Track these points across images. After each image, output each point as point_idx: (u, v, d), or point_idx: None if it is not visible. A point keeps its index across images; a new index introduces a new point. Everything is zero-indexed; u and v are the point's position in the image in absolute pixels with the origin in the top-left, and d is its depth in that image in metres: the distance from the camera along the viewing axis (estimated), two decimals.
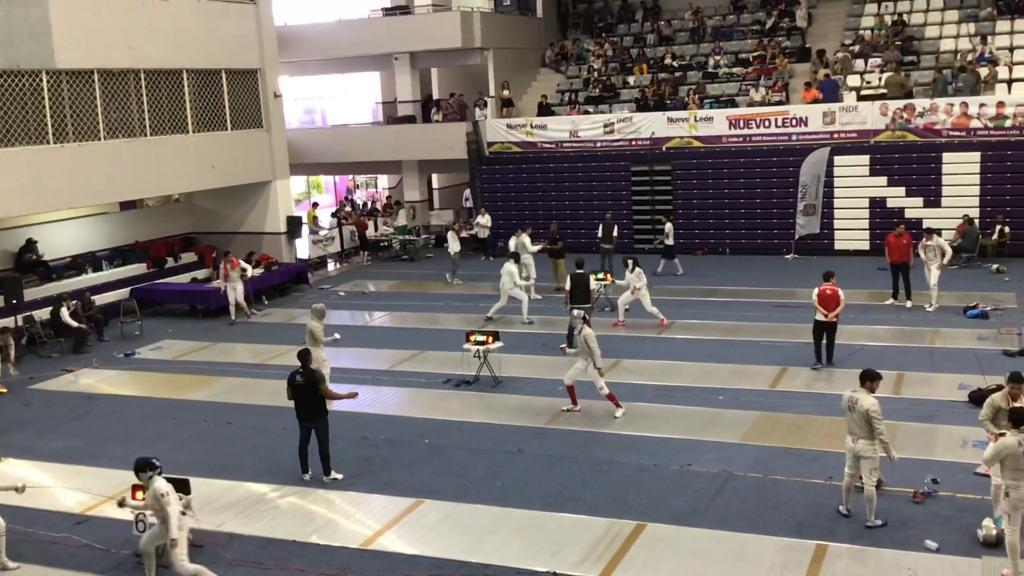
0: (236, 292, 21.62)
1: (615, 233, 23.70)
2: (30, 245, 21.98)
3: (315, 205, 30.40)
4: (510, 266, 19.89)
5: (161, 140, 22.48)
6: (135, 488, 10.32)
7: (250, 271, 22.26)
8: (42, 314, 20.27)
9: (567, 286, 17.78)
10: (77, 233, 23.69)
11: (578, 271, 17.71)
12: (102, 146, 20.99)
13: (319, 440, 12.18)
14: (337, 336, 15.98)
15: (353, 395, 12.73)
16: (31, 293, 20.75)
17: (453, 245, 24.74)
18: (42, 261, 22.05)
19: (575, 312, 14.77)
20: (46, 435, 14.78)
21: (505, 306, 19.96)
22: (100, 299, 21.65)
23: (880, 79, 26.07)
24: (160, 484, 9.48)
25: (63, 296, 20.22)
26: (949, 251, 19.31)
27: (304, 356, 12.34)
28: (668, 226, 23.70)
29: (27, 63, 19.24)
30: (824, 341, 15.82)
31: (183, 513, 9.58)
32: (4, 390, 17.20)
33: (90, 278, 22.75)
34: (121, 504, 9.94)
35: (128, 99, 21.71)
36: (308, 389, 12.04)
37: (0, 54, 18.71)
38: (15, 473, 13.21)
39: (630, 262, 19.04)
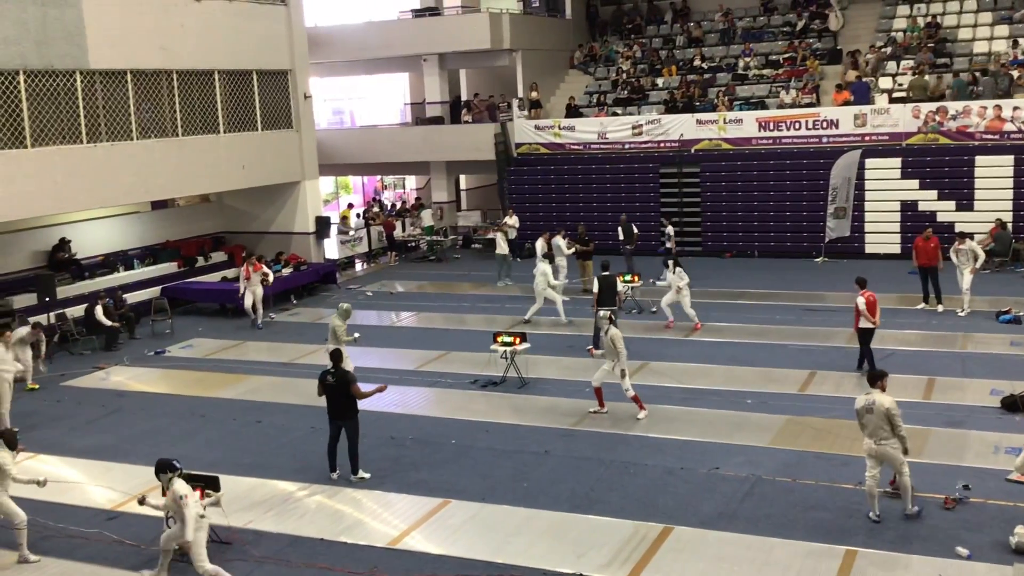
0: (255, 296, 21.23)
1: (636, 232, 23.60)
2: (63, 243, 22.24)
3: (350, 206, 30.47)
4: (544, 267, 19.84)
5: (192, 140, 22.67)
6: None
7: (271, 277, 21.87)
8: (75, 312, 20.51)
9: (595, 288, 17.74)
10: (109, 232, 23.94)
11: (604, 273, 17.68)
12: (134, 146, 21.21)
13: (349, 439, 12.24)
14: (357, 335, 16.02)
15: (382, 388, 12.74)
16: (63, 291, 20.96)
17: (502, 246, 24.45)
18: (74, 259, 22.31)
19: (601, 313, 14.74)
20: (77, 431, 14.95)
21: (542, 307, 19.93)
22: (131, 297, 21.88)
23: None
24: (179, 486, 9.58)
25: (99, 294, 20.44)
26: (982, 255, 19.11)
27: (335, 356, 12.40)
28: (669, 229, 23.51)
29: (61, 63, 19.47)
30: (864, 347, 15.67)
31: (202, 516, 9.68)
32: (36, 386, 17.41)
33: (121, 276, 22.98)
34: (141, 502, 10.07)
35: (160, 99, 21.92)
36: (339, 389, 12.11)
37: (35, 54, 18.95)
38: (44, 469, 13.37)
39: (670, 262, 18.95)
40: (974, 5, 28.37)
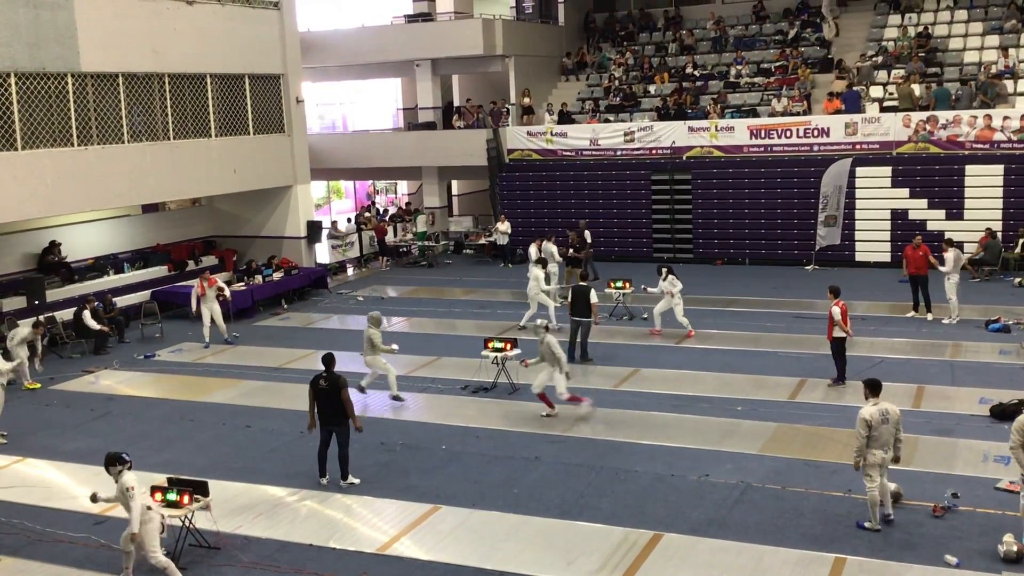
0: (213, 311, 20.06)
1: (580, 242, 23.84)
2: (53, 247, 22.16)
3: (349, 220, 30.40)
4: (537, 272, 19.80)
5: (184, 144, 22.62)
6: (155, 489, 10.41)
7: (227, 292, 20.73)
8: (64, 315, 20.44)
9: (569, 299, 17.83)
10: (99, 235, 23.86)
11: (581, 284, 17.68)
12: (126, 149, 21.15)
13: (339, 444, 12.21)
14: (395, 347, 15.92)
15: (357, 427, 12.36)
16: (53, 294, 20.92)
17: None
18: (64, 262, 22.22)
19: (539, 321, 15.02)
20: (66, 435, 14.87)
21: (536, 313, 19.90)
22: (121, 301, 21.81)
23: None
24: (127, 478, 9.65)
25: (87, 297, 20.36)
26: (949, 264, 18.82)
27: (328, 360, 12.35)
28: (573, 235, 23.82)
29: (53, 66, 19.42)
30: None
31: (149, 508, 9.73)
32: (38, 385, 17.41)
33: (111, 280, 22.90)
34: (94, 499, 10.08)
35: (152, 103, 21.88)
36: (331, 394, 12.08)
37: (26, 56, 18.90)
38: (32, 472, 13.33)
39: (664, 270, 18.92)
40: (965, 15, 28.51)
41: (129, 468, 9.74)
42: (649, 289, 19.47)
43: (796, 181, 25.72)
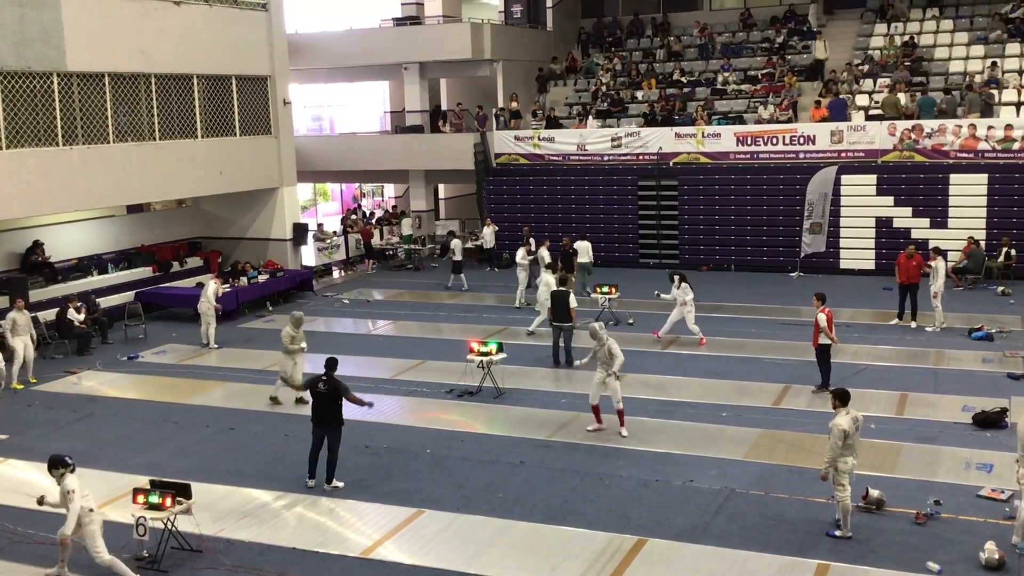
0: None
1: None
2: (36, 246, 22.02)
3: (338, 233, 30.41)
4: (548, 277, 19.54)
5: (170, 144, 22.54)
6: (136, 492, 10.35)
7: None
8: (47, 315, 20.30)
9: (548, 304, 17.82)
10: (83, 235, 23.72)
11: (560, 289, 17.67)
12: (111, 149, 21.06)
13: (329, 448, 12.18)
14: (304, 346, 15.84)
15: (369, 404, 12.83)
16: (36, 294, 20.75)
17: (583, 258, 23.10)
18: (48, 263, 22.08)
19: (594, 323, 14.69)
20: (48, 437, 14.76)
21: (545, 319, 19.74)
22: (105, 302, 21.69)
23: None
24: (68, 482, 9.71)
25: (70, 297, 20.23)
26: (940, 279, 18.94)
27: (330, 364, 12.35)
28: (456, 243, 24.54)
29: (39, 65, 19.32)
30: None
31: (91, 510, 9.78)
32: (21, 386, 17.33)
33: (95, 280, 22.78)
34: (40, 502, 10.16)
35: (138, 103, 21.79)
36: (329, 397, 12.05)
37: (12, 55, 18.80)
38: (13, 474, 13.23)
39: (676, 277, 18.75)
40: (950, 25, 28.71)
41: (72, 471, 9.78)
42: (663, 296, 19.34)
43: (782, 188, 25.82)
